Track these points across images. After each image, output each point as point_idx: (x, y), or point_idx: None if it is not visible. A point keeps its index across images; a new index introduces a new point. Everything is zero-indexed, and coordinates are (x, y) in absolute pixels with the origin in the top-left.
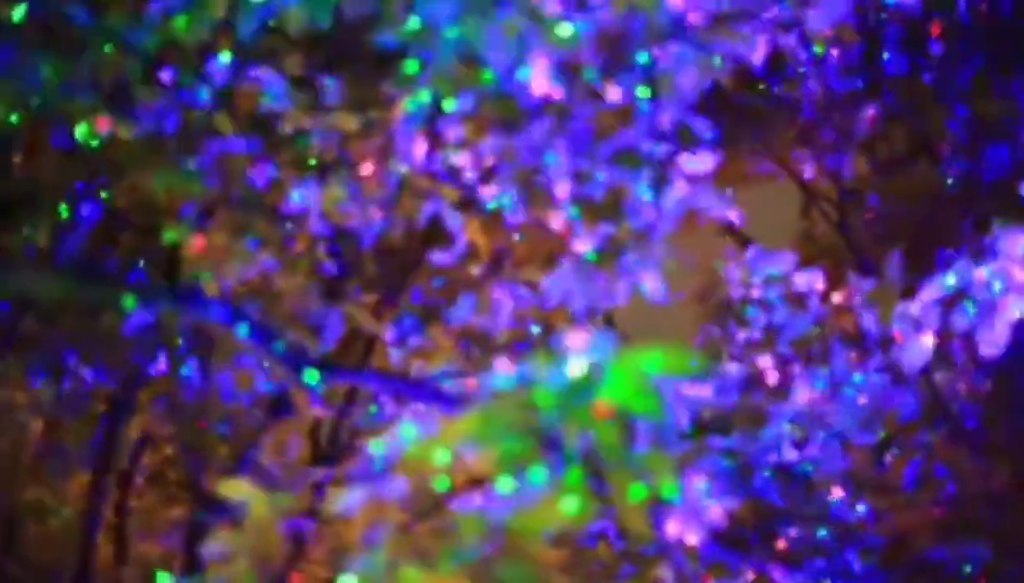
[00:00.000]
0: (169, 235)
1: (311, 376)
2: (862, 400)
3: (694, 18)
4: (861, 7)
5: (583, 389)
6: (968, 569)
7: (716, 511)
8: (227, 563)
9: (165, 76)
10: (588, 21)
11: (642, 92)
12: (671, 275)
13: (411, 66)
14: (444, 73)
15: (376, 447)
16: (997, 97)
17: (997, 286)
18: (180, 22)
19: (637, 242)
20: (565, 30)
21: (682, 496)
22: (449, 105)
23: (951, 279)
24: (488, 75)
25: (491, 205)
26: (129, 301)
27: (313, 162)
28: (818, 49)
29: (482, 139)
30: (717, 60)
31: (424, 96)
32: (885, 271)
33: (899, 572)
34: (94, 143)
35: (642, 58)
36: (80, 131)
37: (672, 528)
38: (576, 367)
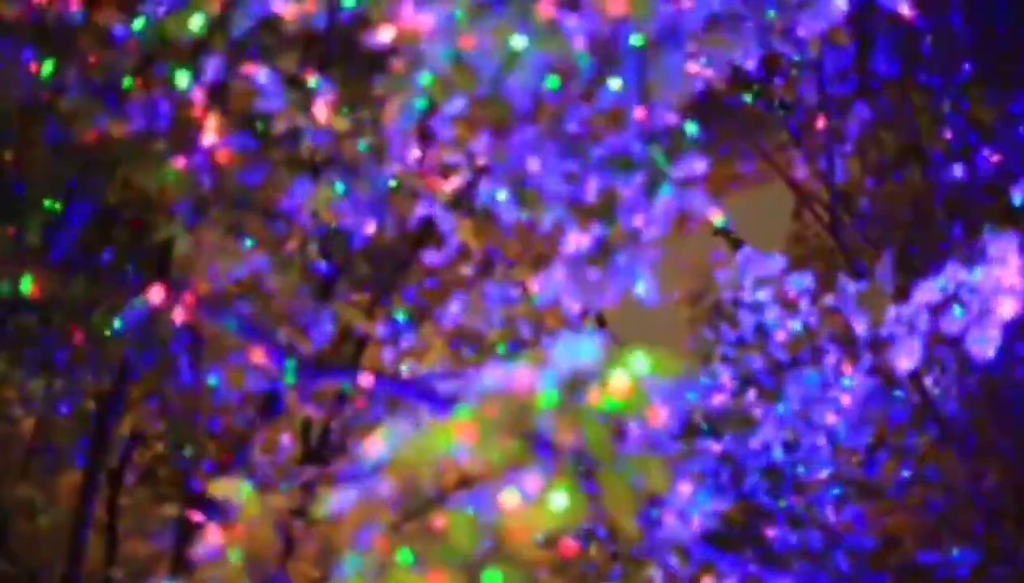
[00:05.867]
0: (161, 233)
1: (292, 376)
2: (852, 402)
3: (686, 23)
4: (854, 10)
5: (575, 390)
6: (958, 573)
7: (706, 512)
8: (218, 562)
9: (157, 73)
10: (579, 25)
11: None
12: (663, 276)
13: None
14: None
15: (367, 447)
16: (988, 101)
17: (987, 289)
18: (172, 20)
19: (628, 243)
20: (557, 34)
21: (672, 497)
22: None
23: (942, 282)
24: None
25: (482, 205)
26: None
27: (305, 161)
28: (811, 52)
29: (474, 139)
30: (706, 67)
31: (419, 98)
32: (876, 274)
33: (889, 575)
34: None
35: (633, 62)
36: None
37: (662, 529)
38: (568, 368)
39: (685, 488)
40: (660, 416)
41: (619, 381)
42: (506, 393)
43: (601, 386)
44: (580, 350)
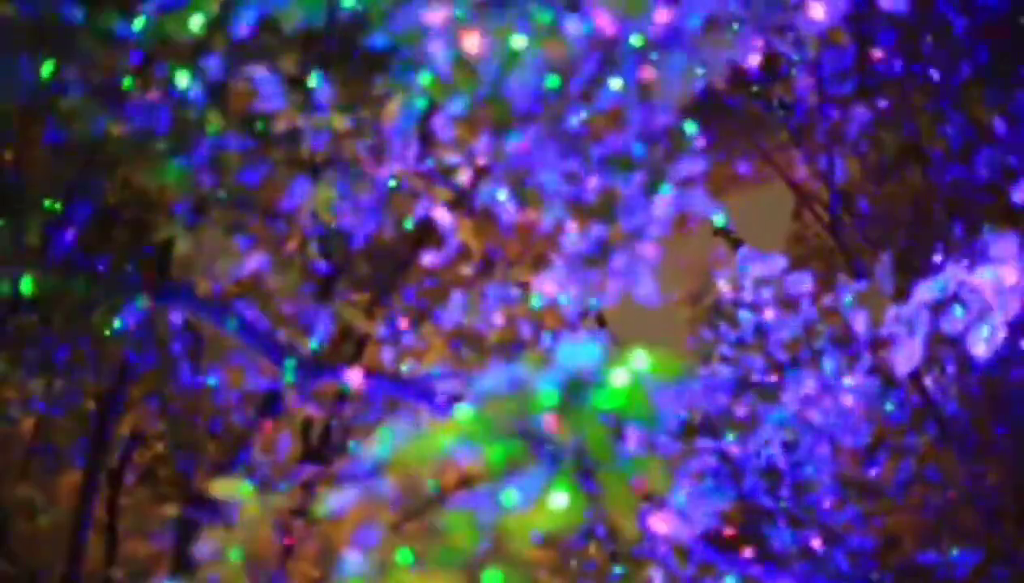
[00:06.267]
0: (161, 232)
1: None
2: (852, 402)
3: (686, 24)
4: (854, 11)
5: (576, 392)
6: (958, 573)
7: (706, 512)
8: (218, 562)
9: (158, 73)
10: (579, 25)
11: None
12: (663, 276)
13: (403, 67)
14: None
15: (367, 447)
16: (988, 101)
17: (987, 289)
18: (171, 24)
19: (629, 243)
20: (556, 35)
21: (672, 497)
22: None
23: (942, 282)
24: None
25: (482, 205)
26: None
27: (305, 161)
28: (811, 52)
29: (474, 139)
30: (704, 67)
31: (418, 99)
32: (876, 274)
33: (889, 575)
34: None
35: (633, 62)
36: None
37: (662, 529)
38: (569, 369)
39: (685, 488)
40: (661, 417)
41: (620, 382)
42: (507, 394)
43: (603, 387)
44: (581, 351)
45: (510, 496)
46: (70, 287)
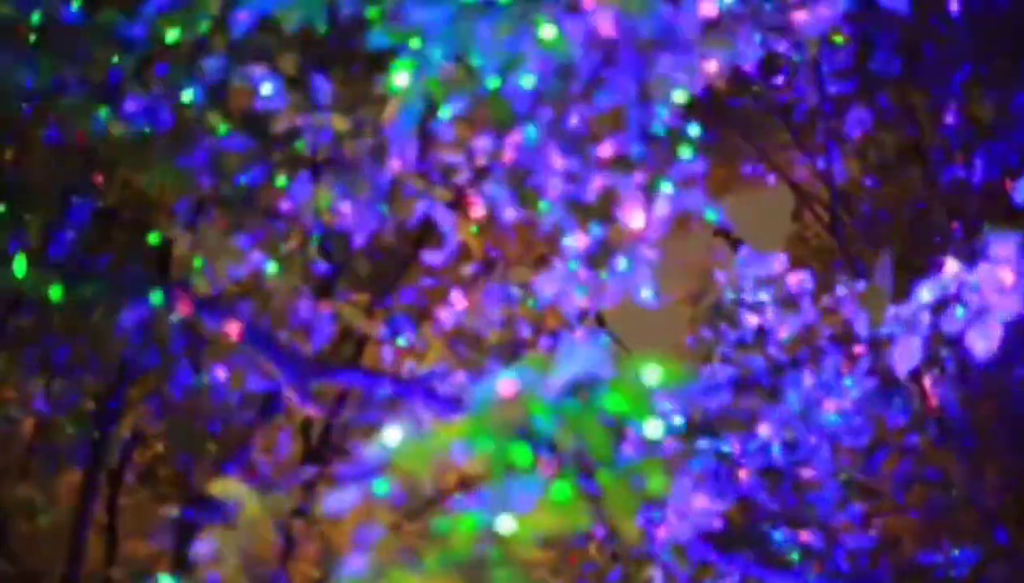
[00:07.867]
0: (161, 232)
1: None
2: (852, 403)
3: (686, 23)
4: (854, 10)
5: (578, 394)
6: (958, 573)
7: (706, 512)
8: (217, 562)
9: (158, 73)
10: (579, 24)
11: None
12: (662, 276)
13: (402, 66)
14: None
15: (367, 447)
16: (988, 101)
17: (987, 289)
18: (172, 24)
19: (628, 243)
20: (556, 34)
21: (672, 498)
22: (444, 112)
23: (942, 282)
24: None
25: (482, 205)
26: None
27: (306, 161)
28: (810, 52)
29: (475, 139)
30: (705, 66)
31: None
32: (876, 274)
33: (889, 575)
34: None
35: (633, 62)
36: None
37: (662, 529)
38: (571, 372)
39: (686, 488)
40: (662, 420)
41: (625, 389)
42: (510, 398)
43: (604, 388)
44: (584, 355)
45: (510, 497)
46: (70, 287)
